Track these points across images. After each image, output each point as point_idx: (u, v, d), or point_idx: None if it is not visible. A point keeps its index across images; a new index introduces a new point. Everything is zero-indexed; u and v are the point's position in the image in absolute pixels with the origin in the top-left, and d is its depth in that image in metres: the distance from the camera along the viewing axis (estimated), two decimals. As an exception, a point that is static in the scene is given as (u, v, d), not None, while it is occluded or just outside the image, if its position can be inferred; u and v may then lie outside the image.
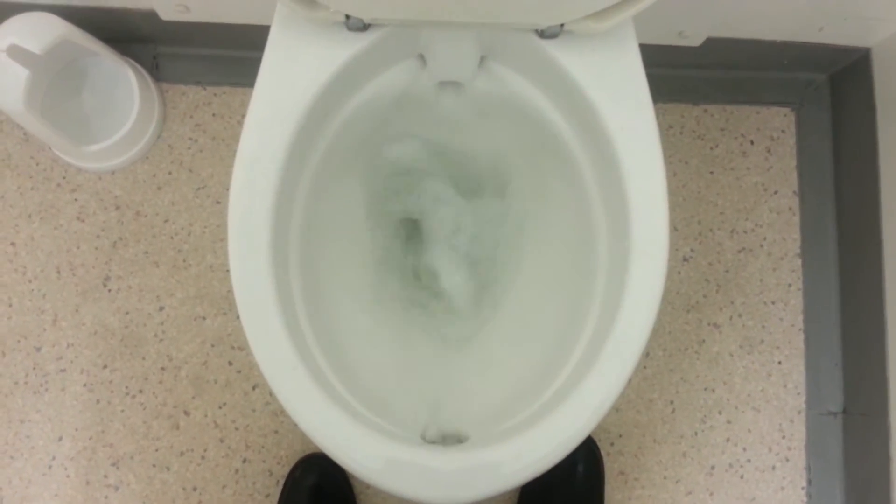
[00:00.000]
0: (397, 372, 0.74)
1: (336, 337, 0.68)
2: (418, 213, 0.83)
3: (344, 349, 0.68)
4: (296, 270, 0.64)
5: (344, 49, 0.62)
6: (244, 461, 0.99)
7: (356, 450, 0.56)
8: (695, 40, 0.96)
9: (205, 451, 0.99)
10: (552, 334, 0.70)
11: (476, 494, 0.56)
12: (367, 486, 0.98)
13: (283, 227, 0.63)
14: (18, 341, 1.00)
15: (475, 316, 0.80)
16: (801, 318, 1.06)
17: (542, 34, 0.62)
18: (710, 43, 0.96)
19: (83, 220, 1.03)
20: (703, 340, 1.04)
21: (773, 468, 1.02)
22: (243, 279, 0.58)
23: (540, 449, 0.56)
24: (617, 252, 0.63)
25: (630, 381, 1.03)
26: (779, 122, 1.10)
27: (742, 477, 1.02)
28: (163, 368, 1.00)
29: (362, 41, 0.62)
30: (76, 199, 1.03)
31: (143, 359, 1.00)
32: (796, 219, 1.08)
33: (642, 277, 0.59)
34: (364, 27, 0.62)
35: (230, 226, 0.59)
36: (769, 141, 1.09)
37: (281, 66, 0.62)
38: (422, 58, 0.68)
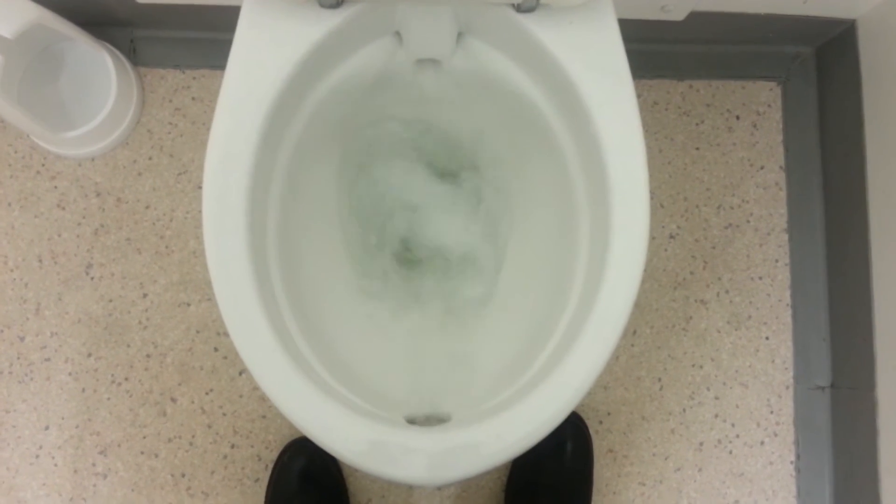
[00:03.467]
0: (379, 354, 0.73)
1: (317, 320, 0.67)
2: (397, 195, 0.82)
3: (325, 332, 0.68)
4: (274, 254, 0.64)
5: (317, 27, 0.61)
6: (232, 447, 0.98)
7: (339, 433, 0.56)
8: (678, 14, 0.94)
9: (192, 437, 0.98)
10: (534, 313, 0.69)
11: (458, 474, 0.55)
12: (356, 469, 0.98)
13: (259, 211, 0.62)
14: (1, 331, 0.99)
15: (458, 296, 0.79)
16: (788, 293, 1.05)
17: (519, 8, 0.61)
18: (694, 17, 0.95)
19: (64, 208, 1.01)
20: (691, 317, 1.04)
21: (762, 443, 1.03)
22: (219, 263, 0.58)
23: (521, 428, 0.56)
24: (598, 229, 0.62)
25: (618, 358, 1.03)
26: (764, 97, 1.09)
27: (731, 452, 1.02)
28: (148, 356, 0.99)
29: (336, 18, 0.61)
30: (56, 187, 1.02)
31: (128, 346, 0.99)
32: (783, 194, 1.07)
33: (623, 255, 0.59)
34: (337, 4, 0.61)
35: (205, 210, 0.58)
36: (755, 116, 1.09)
37: (253, 45, 0.61)
38: (398, 35, 0.67)
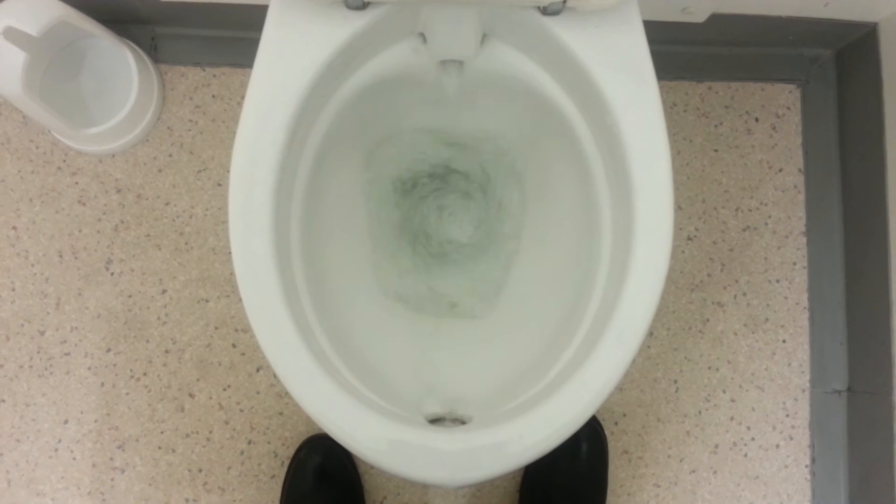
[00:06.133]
0: (401, 354, 0.74)
1: (340, 319, 0.68)
2: (420, 196, 0.82)
3: (348, 331, 0.68)
4: (298, 253, 0.64)
5: (343, 28, 0.61)
6: (249, 443, 0.99)
7: (359, 431, 0.56)
8: (699, 16, 0.94)
9: (210, 432, 0.99)
10: (556, 316, 0.70)
11: (479, 475, 0.56)
12: (372, 467, 0.98)
13: (284, 210, 0.62)
14: (22, 325, 1.00)
15: (480, 297, 0.79)
16: (805, 296, 1.05)
17: (545, 11, 0.61)
18: (715, 19, 0.95)
19: (84, 204, 1.02)
20: (708, 319, 1.04)
21: (777, 446, 1.03)
22: (245, 262, 0.58)
23: (543, 430, 0.56)
24: (621, 233, 0.62)
25: (634, 360, 1.03)
26: (784, 99, 1.09)
27: (746, 455, 1.02)
28: (167, 351, 1.00)
29: (362, 19, 0.61)
30: (77, 183, 1.03)
31: (147, 342, 1.00)
32: (801, 196, 1.07)
33: (646, 259, 0.58)
34: (363, 5, 0.61)
35: (231, 209, 0.59)
36: (774, 118, 1.08)
37: (279, 46, 0.61)
38: (422, 36, 0.67)
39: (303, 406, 0.57)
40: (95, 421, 0.99)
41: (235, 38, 1.04)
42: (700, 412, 1.02)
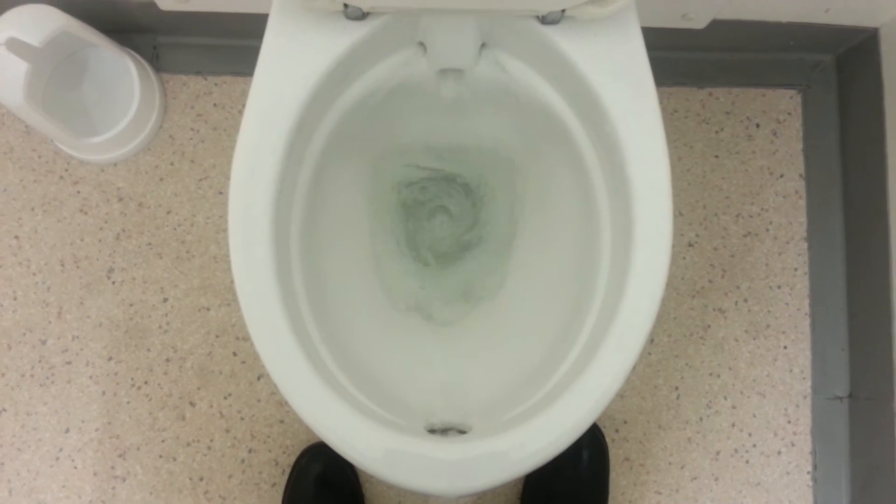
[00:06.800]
0: (400, 363, 0.74)
1: (339, 328, 0.68)
2: (420, 203, 0.82)
3: (347, 340, 0.68)
4: (297, 261, 0.64)
5: (343, 38, 0.61)
6: (250, 451, 0.99)
7: (357, 440, 0.56)
8: (699, 23, 0.94)
9: (211, 441, 0.99)
10: (556, 323, 0.69)
11: (479, 484, 0.56)
12: (375, 476, 0.98)
13: (284, 219, 0.62)
14: (24, 334, 1.00)
15: (480, 306, 0.79)
16: (807, 302, 1.05)
17: (543, 20, 0.61)
18: (715, 25, 0.95)
19: (86, 213, 1.02)
20: (709, 326, 1.04)
21: (779, 453, 1.02)
22: (244, 271, 0.58)
23: (543, 438, 0.56)
24: (621, 240, 0.62)
25: (635, 367, 1.03)
26: (785, 105, 1.09)
27: (747, 462, 1.02)
28: (168, 360, 1.00)
29: (361, 30, 0.62)
30: (79, 192, 1.03)
31: (148, 350, 1.00)
32: (802, 202, 1.07)
33: (645, 265, 0.58)
34: (363, 15, 0.61)
35: (231, 218, 0.59)
36: (775, 124, 1.08)
37: (279, 56, 0.61)
38: (422, 45, 0.67)
39: (300, 415, 0.57)
40: (96, 430, 0.99)
41: (236, 47, 1.04)
42: (701, 419, 1.02)
